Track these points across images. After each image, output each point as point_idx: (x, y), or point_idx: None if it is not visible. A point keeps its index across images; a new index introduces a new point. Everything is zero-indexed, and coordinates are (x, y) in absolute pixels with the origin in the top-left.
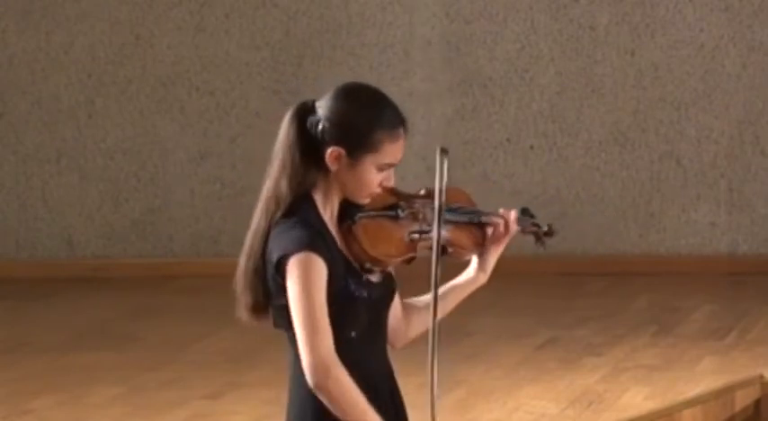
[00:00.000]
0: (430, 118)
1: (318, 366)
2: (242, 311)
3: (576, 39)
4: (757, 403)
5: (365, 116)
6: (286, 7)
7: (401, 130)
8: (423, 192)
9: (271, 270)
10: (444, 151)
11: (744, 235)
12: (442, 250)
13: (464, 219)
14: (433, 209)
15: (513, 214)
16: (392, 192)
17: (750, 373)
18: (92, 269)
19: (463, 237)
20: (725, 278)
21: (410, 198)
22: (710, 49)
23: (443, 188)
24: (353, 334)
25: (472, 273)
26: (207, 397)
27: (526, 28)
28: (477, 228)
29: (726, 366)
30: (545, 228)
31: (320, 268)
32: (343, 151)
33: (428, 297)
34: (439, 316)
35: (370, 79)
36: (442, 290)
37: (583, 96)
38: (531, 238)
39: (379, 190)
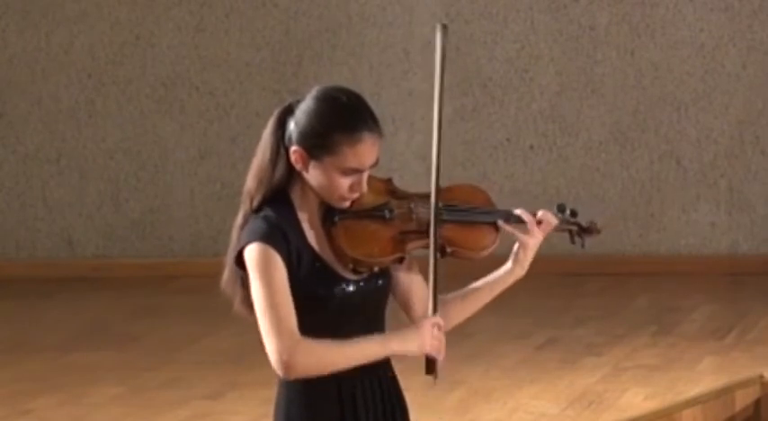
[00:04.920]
0: (430, 118)
1: (282, 355)
2: (236, 305)
3: (575, 39)
4: (757, 403)
5: (323, 118)
6: (286, 7)
7: (364, 136)
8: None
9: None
10: (445, 27)
11: (744, 235)
12: (442, 250)
13: (467, 218)
14: (428, 209)
15: (536, 217)
16: (388, 191)
17: (750, 373)
18: (92, 269)
19: (466, 237)
20: (725, 278)
21: (405, 197)
22: (710, 49)
23: (444, 67)
24: (323, 333)
25: (510, 266)
26: (207, 397)
27: (526, 28)
28: (487, 227)
29: (726, 366)
30: (585, 225)
31: (275, 259)
32: (304, 152)
33: (464, 290)
34: (474, 309)
35: (370, 79)
36: (477, 284)
37: (583, 96)
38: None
39: (351, 195)
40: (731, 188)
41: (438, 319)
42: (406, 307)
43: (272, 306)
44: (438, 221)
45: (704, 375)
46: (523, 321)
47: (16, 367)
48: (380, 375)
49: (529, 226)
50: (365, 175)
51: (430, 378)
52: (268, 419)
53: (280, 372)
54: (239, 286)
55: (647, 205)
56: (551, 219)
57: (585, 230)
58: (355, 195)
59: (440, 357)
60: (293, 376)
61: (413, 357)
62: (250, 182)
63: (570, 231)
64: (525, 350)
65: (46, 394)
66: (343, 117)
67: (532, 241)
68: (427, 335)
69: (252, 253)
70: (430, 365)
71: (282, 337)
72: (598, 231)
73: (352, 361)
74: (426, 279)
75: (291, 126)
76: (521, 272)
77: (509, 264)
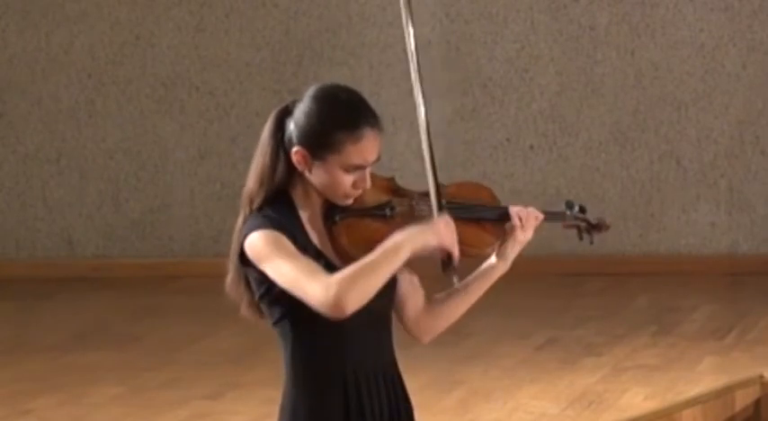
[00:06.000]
0: (430, 118)
1: (329, 291)
2: (243, 309)
3: (575, 39)
4: (757, 403)
5: (325, 117)
6: (286, 7)
7: (366, 131)
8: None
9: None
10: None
11: (744, 235)
12: None
13: (471, 215)
14: (430, 207)
15: (522, 211)
16: (391, 189)
17: (750, 373)
18: (92, 269)
19: (470, 234)
20: (725, 278)
21: (408, 195)
22: (710, 49)
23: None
24: (328, 333)
25: (493, 260)
26: (207, 397)
27: (526, 28)
28: (490, 224)
29: (726, 366)
30: (594, 222)
31: (283, 236)
32: (306, 152)
33: (449, 291)
34: (464, 307)
35: (370, 79)
36: (463, 282)
37: (583, 96)
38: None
39: (355, 191)
40: (731, 188)
41: (446, 217)
42: (398, 307)
43: (298, 264)
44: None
45: (704, 375)
46: (523, 321)
47: (16, 367)
48: (386, 375)
49: (524, 222)
50: (368, 171)
51: (449, 277)
52: (268, 419)
53: (333, 311)
54: (245, 289)
55: (647, 205)
56: (538, 214)
57: (595, 227)
58: (359, 192)
59: (455, 251)
60: (348, 307)
61: (414, 358)
62: (251, 184)
63: (579, 228)
64: (525, 350)
65: (46, 394)
66: (343, 115)
67: (522, 236)
68: (442, 227)
69: (256, 238)
70: (445, 263)
71: (320, 279)
72: (607, 227)
73: (385, 267)
74: (431, 286)
75: (291, 127)
76: (504, 267)
77: (492, 260)
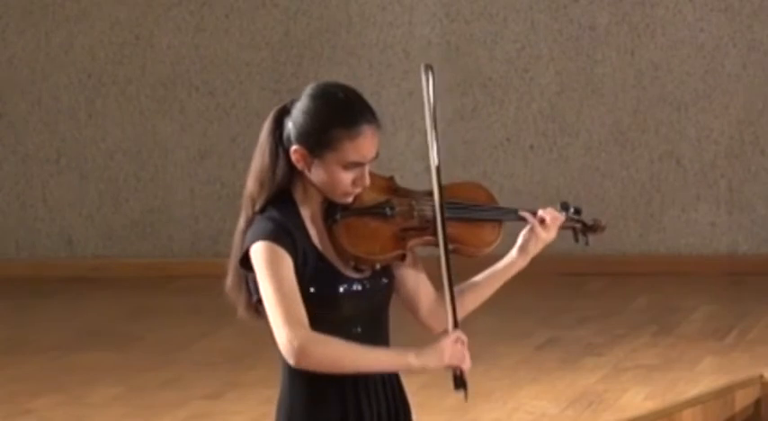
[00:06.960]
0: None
1: (293, 342)
2: (240, 310)
3: (575, 39)
4: (757, 403)
5: (321, 114)
6: (286, 7)
7: (363, 128)
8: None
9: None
10: (429, 68)
11: (744, 235)
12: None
13: (470, 215)
14: (431, 207)
15: (542, 214)
16: (390, 188)
17: (750, 373)
18: (92, 269)
19: (468, 234)
20: (725, 278)
21: (408, 195)
22: (710, 49)
23: (434, 110)
24: (328, 332)
25: (514, 256)
26: (207, 397)
27: (526, 28)
28: (488, 225)
29: (726, 366)
30: (589, 223)
31: (282, 255)
32: (304, 150)
33: (467, 283)
34: (477, 302)
35: (370, 79)
36: (479, 277)
37: (583, 96)
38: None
39: (354, 189)
40: (731, 188)
41: (460, 334)
42: (412, 305)
43: (282, 298)
44: (442, 221)
45: (704, 375)
46: (523, 321)
47: (16, 367)
48: (384, 376)
49: (548, 221)
50: (367, 168)
51: (460, 394)
52: (268, 419)
53: (291, 360)
54: (244, 290)
55: (647, 205)
56: (557, 215)
57: (590, 228)
58: (358, 189)
59: (465, 367)
60: (304, 364)
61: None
62: (251, 185)
63: (574, 229)
64: (525, 350)
65: (46, 394)
66: (340, 112)
67: (546, 235)
68: (447, 349)
69: (258, 250)
70: (457, 379)
71: (293, 325)
72: (603, 228)
73: (364, 365)
74: (436, 285)
75: (289, 126)
76: (523, 263)
77: (513, 255)
